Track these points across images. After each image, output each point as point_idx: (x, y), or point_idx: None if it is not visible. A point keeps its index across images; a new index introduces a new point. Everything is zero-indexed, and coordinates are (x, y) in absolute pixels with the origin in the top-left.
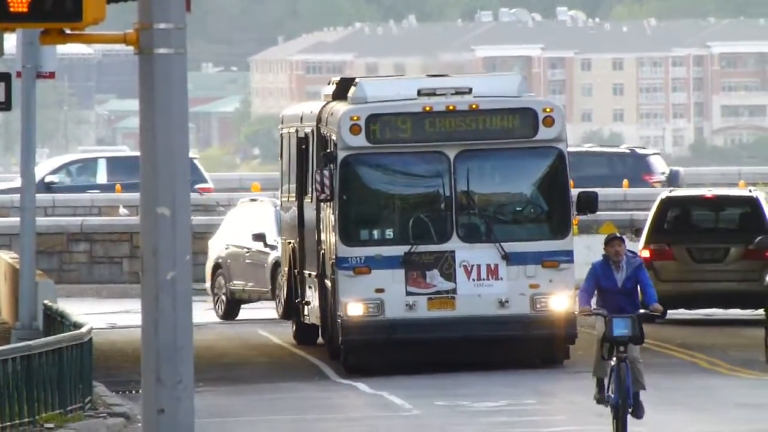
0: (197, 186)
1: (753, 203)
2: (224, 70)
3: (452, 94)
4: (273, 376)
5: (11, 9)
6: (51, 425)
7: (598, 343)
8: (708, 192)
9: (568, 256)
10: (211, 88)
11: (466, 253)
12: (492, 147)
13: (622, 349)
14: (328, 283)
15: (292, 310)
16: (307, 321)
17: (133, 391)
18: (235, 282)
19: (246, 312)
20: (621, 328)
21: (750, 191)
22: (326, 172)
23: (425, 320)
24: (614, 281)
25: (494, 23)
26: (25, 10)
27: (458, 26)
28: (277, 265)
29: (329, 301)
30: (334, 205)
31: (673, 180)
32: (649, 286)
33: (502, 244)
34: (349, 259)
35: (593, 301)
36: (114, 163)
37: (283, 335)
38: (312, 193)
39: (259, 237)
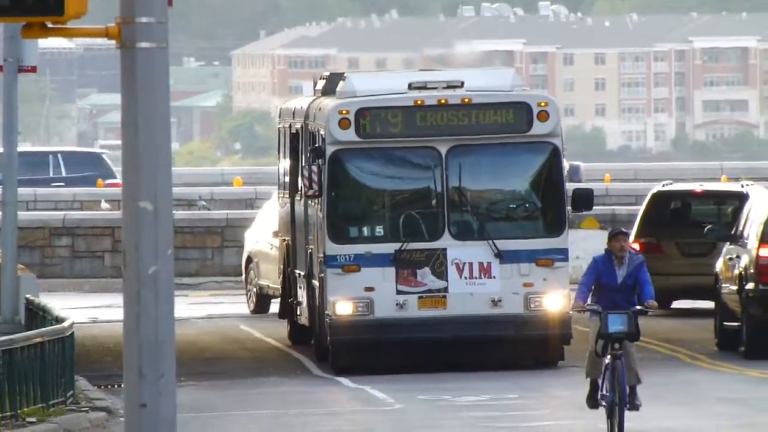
0: (107, 181)
1: (743, 198)
2: (206, 65)
3: (444, 87)
4: (255, 371)
5: None
6: (33, 419)
7: (591, 341)
8: (699, 187)
9: (562, 254)
10: (192, 83)
11: (458, 250)
12: (485, 142)
13: (617, 346)
14: (315, 282)
15: (286, 309)
16: (299, 321)
17: (115, 386)
18: (263, 277)
19: (226, 307)
20: (617, 324)
21: (742, 186)
22: (314, 168)
23: (416, 320)
24: (615, 277)
25: (476, 18)
26: (6, 3)
27: (440, 21)
28: None
29: (317, 301)
30: (322, 201)
31: (573, 175)
32: (648, 284)
33: (495, 241)
34: (337, 257)
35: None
36: (67, 158)
37: (264, 330)
38: (301, 190)
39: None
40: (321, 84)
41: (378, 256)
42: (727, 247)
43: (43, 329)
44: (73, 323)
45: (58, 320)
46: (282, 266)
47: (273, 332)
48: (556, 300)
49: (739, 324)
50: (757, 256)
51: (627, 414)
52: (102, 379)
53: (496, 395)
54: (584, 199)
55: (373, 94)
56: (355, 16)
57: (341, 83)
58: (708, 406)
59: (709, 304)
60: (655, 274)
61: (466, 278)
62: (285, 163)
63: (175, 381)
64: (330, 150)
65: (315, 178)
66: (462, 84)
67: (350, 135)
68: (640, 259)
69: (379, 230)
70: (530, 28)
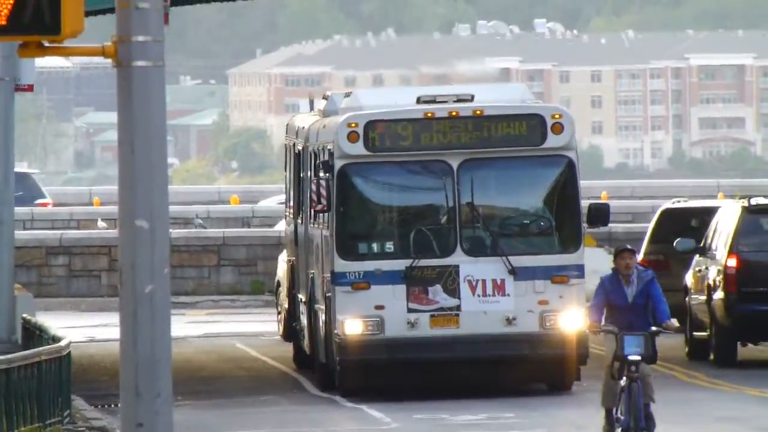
0: (36, 201)
1: None
2: (202, 83)
3: (454, 101)
4: (251, 390)
5: None
6: None
7: (607, 367)
8: (707, 204)
9: (578, 270)
10: (189, 101)
11: (471, 267)
12: (498, 155)
13: (633, 368)
14: (317, 307)
15: (291, 332)
16: (303, 346)
17: (112, 405)
18: None
19: (223, 326)
20: (633, 346)
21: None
22: (323, 182)
23: (428, 339)
24: (624, 296)
25: (472, 36)
26: (3, 22)
27: (436, 39)
28: None
29: (319, 327)
30: (330, 216)
31: None
32: (662, 302)
33: (508, 257)
34: (346, 274)
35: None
36: None
37: (261, 349)
38: (301, 213)
39: None
40: (323, 104)
41: (388, 273)
42: (697, 259)
43: (40, 348)
44: (70, 342)
45: (55, 339)
46: (287, 287)
47: (269, 351)
48: (572, 318)
49: (708, 334)
50: (725, 266)
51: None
52: (99, 399)
53: (494, 414)
54: (600, 214)
55: (381, 108)
56: (351, 35)
57: (346, 99)
58: (707, 426)
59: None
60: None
61: (479, 296)
62: (290, 181)
63: (171, 400)
64: (338, 164)
65: (324, 192)
66: (472, 98)
67: (359, 149)
68: (649, 275)
69: (389, 246)
70: (526, 46)
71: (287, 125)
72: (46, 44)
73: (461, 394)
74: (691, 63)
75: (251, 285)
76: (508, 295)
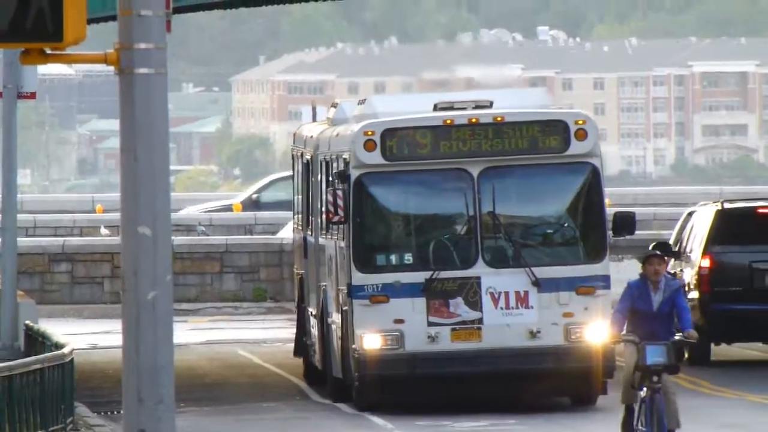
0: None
1: None
2: (205, 91)
3: (472, 108)
4: (254, 397)
5: None
6: None
7: (626, 371)
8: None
9: (604, 281)
10: (192, 109)
11: (493, 279)
12: (519, 163)
13: (655, 378)
14: (330, 320)
15: (301, 347)
16: (314, 362)
17: (115, 412)
18: None
19: (226, 333)
20: (655, 355)
21: None
22: (339, 192)
23: (449, 353)
24: (650, 303)
25: (475, 43)
26: (5, 29)
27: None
28: None
29: (331, 341)
30: (346, 228)
31: None
32: (686, 311)
33: (532, 269)
34: (364, 287)
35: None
36: None
37: (263, 356)
38: (311, 224)
39: None
40: (331, 112)
41: (407, 285)
42: (673, 261)
43: (43, 355)
44: (73, 349)
45: (58, 346)
46: (296, 301)
47: (272, 358)
48: (598, 330)
49: None
50: (699, 267)
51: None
52: (102, 406)
53: (496, 420)
54: (626, 223)
55: (397, 115)
56: (354, 42)
57: (360, 106)
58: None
59: None
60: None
61: (501, 308)
62: (298, 193)
63: (174, 406)
64: (355, 174)
65: (340, 203)
66: (491, 104)
67: (376, 157)
68: (677, 284)
69: (408, 258)
70: (529, 53)
71: (294, 135)
72: (49, 51)
73: (469, 403)
74: (694, 70)
75: (253, 292)
76: (532, 307)
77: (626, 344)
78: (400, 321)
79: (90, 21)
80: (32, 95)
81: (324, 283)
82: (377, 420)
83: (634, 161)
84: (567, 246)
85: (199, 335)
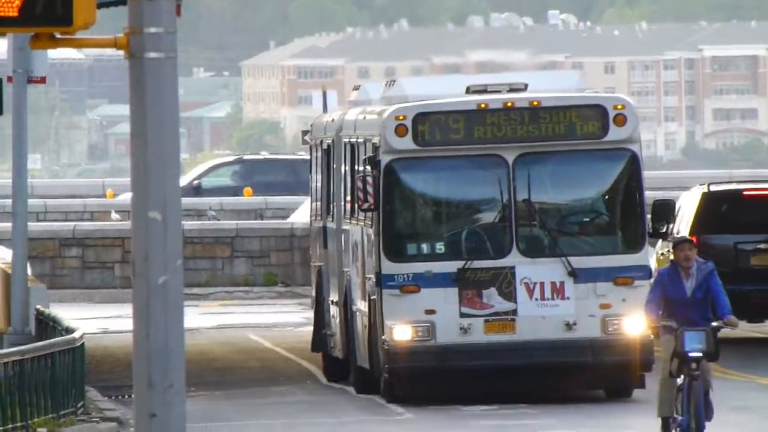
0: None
1: None
2: (216, 75)
3: (507, 91)
4: (265, 381)
5: (1, 13)
6: (44, 430)
7: (663, 370)
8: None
9: (643, 271)
10: (202, 93)
11: (528, 269)
12: (556, 149)
13: (694, 366)
14: (356, 307)
15: (320, 342)
16: (333, 353)
17: (126, 396)
18: None
19: (237, 317)
20: (694, 342)
21: None
22: (369, 179)
23: (482, 345)
24: (683, 290)
25: (485, 28)
26: (15, 14)
27: (449, 31)
28: None
29: (357, 329)
30: (376, 215)
31: None
32: (723, 295)
33: (568, 258)
34: (394, 277)
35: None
36: None
37: (274, 340)
38: (332, 211)
39: None
40: (354, 95)
41: (439, 275)
42: (660, 242)
43: (54, 340)
44: (84, 334)
45: (69, 331)
46: (314, 294)
47: (282, 342)
48: (636, 322)
49: None
50: None
51: (635, 426)
52: (112, 390)
53: (508, 404)
54: (665, 211)
55: (427, 98)
56: (364, 27)
57: (388, 88)
58: (720, 415)
59: None
60: None
61: (536, 299)
62: (316, 184)
63: (184, 391)
64: (385, 159)
65: (370, 190)
66: (525, 87)
67: (407, 143)
68: (709, 267)
69: (440, 247)
70: (539, 38)
71: (312, 125)
72: (58, 36)
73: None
74: (705, 54)
75: (264, 277)
76: (568, 298)
77: (663, 333)
78: (431, 312)
79: (100, 5)
80: (42, 80)
81: (347, 270)
82: (388, 403)
83: (644, 145)
84: (604, 235)
85: (210, 320)
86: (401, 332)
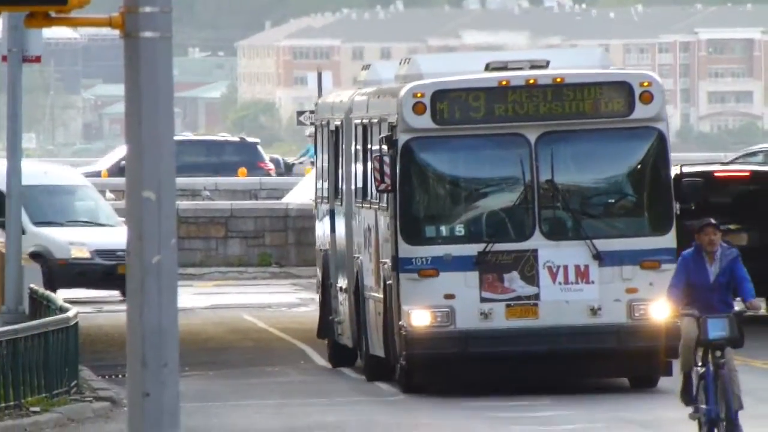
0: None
1: None
2: (211, 56)
3: (528, 68)
4: (258, 361)
5: None
6: (37, 409)
7: (685, 338)
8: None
9: (670, 255)
10: (197, 74)
11: (551, 252)
12: (580, 128)
13: (719, 353)
14: (368, 293)
15: (327, 328)
16: (341, 341)
17: (119, 375)
18: None
19: (231, 297)
20: (717, 329)
21: None
22: (386, 159)
23: (503, 331)
24: (707, 276)
25: (481, 10)
26: None
27: (445, 12)
28: None
29: (369, 315)
30: (392, 197)
31: (285, 168)
32: (747, 280)
33: (593, 241)
34: (412, 260)
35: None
36: None
37: (268, 320)
38: (341, 194)
39: None
40: (363, 75)
41: (459, 258)
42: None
43: (47, 319)
44: (78, 313)
45: (62, 310)
46: (320, 280)
47: (277, 322)
48: (663, 307)
49: None
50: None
51: (640, 416)
52: (106, 369)
53: (502, 391)
54: (693, 191)
55: (444, 76)
56: (360, 8)
57: (401, 66)
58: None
59: None
60: None
61: (560, 283)
62: (322, 164)
63: (178, 370)
64: (403, 139)
65: (387, 170)
66: (547, 63)
67: (426, 121)
68: (734, 253)
69: (460, 229)
70: (535, 20)
71: (316, 105)
72: (53, 15)
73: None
74: (700, 37)
75: (258, 257)
76: (593, 282)
77: (683, 319)
78: (450, 296)
79: None
80: (37, 59)
81: (359, 255)
82: (383, 385)
83: None
84: (630, 217)
85: (204, 300)
86: (419, 317)
